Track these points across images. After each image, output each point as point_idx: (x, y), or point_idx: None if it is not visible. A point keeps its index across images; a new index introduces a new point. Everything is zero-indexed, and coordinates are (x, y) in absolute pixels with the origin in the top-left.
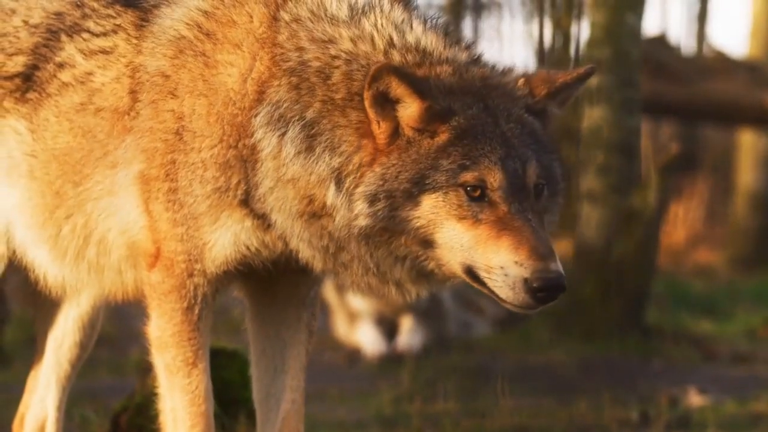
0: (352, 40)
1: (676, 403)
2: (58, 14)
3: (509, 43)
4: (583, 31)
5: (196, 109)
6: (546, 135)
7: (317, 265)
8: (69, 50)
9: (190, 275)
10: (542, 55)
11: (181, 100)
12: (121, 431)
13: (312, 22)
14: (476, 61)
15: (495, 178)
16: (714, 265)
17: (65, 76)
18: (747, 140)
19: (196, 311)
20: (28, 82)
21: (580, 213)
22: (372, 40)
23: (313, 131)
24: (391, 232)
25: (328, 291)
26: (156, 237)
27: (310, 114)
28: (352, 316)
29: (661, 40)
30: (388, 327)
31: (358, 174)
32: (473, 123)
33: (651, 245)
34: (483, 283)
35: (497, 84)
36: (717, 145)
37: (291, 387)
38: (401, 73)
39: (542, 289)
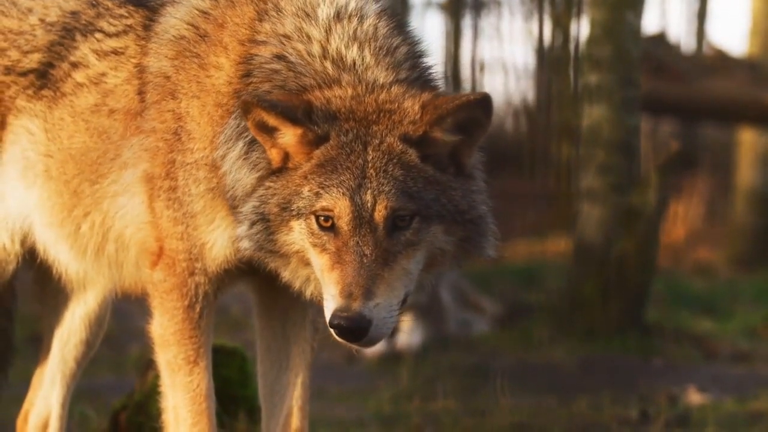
0: (309, 41)
1: (675, 402)
2: (74, 13)
3: (509, 42)
4: (582, 29)
5: (190, 111)
6: (424, 164)
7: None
8: (83, 50)
9: (192, 274)
10: (542, 54)
11: (179, 101)
12: (120, 429)
13: (291, 16)
14: (401, 83)
15: (340, 210)
16: (714, 263)
17: (79, 76)
18: (747, 138)
19: (198, 309)
20: (42, 79)
21: (580, 212)
22: (321, 46)
23: (251, 149)
24: (281, 256)
25: None
26: (158, 235)
27: None
28: None
29: (660, 39)
30: None
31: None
32: (339, 151)
33: (651, 244)
34: None
35: (391, 110)
36: (717, 143)
37: (295, 384)
38: (267, 105)
39: (335, 327)
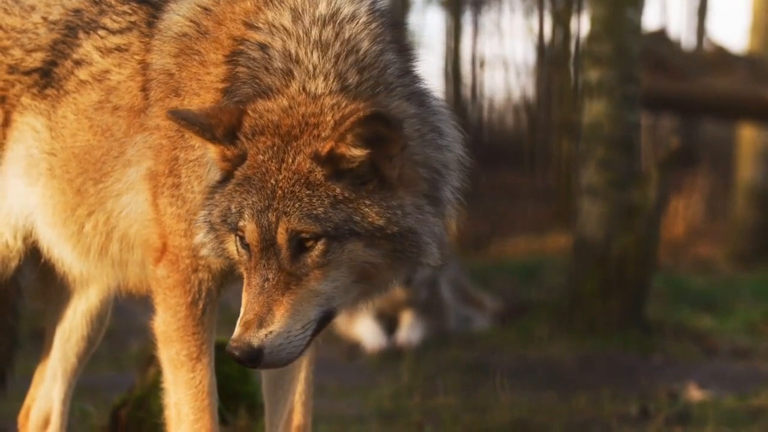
0: (289, 37)
1: (675, 398)
2: (77, 11)
3: (509, 38)
4: (583, 25)
5: (192, 109)
6: (333, 182)
7: None
8: (86, 47)
9: (195, 270)
10: (542, 50)
11: (182, 99)
12: (120, 425)
13: (290, 10)
14: (339, 92)
15: (249, 233)
16: (714, 259)
17: (83, 73)
18: (747, 135)
19: (201, 306)
20: (46, 78)
21: (581, 208)
22: (294, 45)
23: None
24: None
25: None
26: (162, 232)
27: None
28: (352, 311)
29: (661, 35)
30: (388, 321)
31: None
32: (255, 171)
33: (651, 240)
34: None
35: (314, 123)
36: (717, 139)
37: (299, 379)
38: (185, 123)
39: (229, 355)
